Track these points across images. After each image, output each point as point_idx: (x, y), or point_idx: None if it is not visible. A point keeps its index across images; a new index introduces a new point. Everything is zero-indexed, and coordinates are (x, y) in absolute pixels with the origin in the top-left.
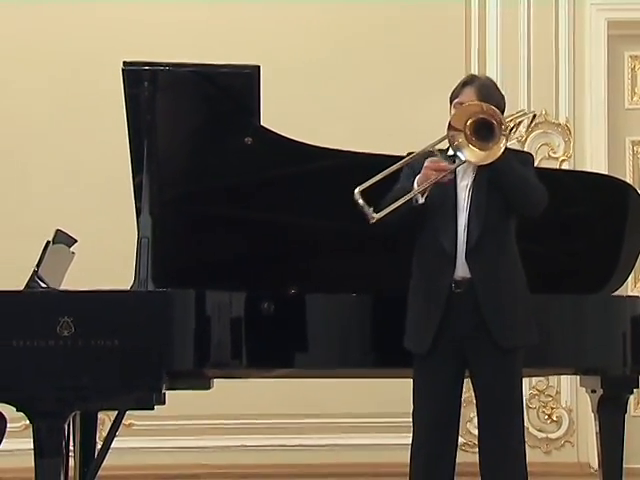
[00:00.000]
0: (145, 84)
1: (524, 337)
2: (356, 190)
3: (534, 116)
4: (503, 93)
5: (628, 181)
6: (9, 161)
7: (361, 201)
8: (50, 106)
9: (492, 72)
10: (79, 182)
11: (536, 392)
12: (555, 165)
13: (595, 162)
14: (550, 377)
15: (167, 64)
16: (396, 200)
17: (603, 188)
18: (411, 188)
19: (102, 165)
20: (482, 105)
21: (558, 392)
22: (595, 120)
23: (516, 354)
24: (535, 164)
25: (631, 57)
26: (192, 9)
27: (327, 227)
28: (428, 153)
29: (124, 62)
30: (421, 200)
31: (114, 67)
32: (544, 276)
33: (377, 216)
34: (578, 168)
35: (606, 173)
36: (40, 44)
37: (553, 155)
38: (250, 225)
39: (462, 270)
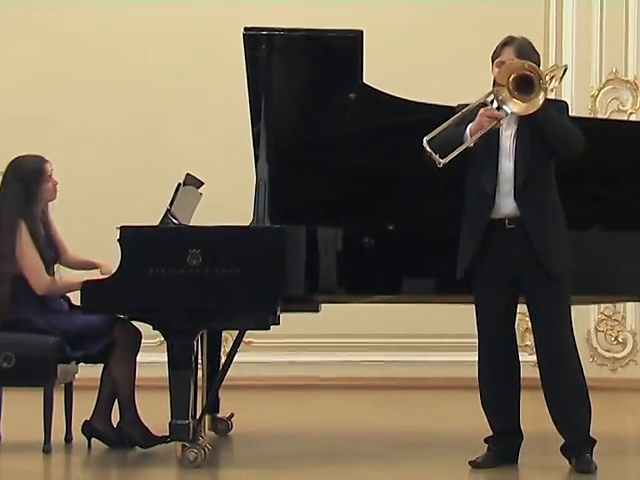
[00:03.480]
0: (263, 47)
1: (567, 263)
2: (424, 139)
3: (565, 69)
4: (572, 54)
5: None
6: (148, 117)
7: (429, 149)
8: (181, 67)
9: (568, 35)
10: (206, 133)
11: (604, 317)
12: (624, 117)
13: None
14: (617, 304)
15: (282, 29)
16: (452, 143)
17: None
18: (463, 132)
19: (226, 118)
20: (524, 63)
21: (624, 317)
22: None
23: (563, 278)
24: (605, 116)
25: None
26: None
27: (419, 173)
28: (480, 105)
29: (245, 28)
30: (471, 145)
31: (236, 32)
32: (611, 215)
33: (444, 161)
34: None
35: None
36: (173, 14)
37: (622, 108)
38: (353, 170)
39: (513, 208)
